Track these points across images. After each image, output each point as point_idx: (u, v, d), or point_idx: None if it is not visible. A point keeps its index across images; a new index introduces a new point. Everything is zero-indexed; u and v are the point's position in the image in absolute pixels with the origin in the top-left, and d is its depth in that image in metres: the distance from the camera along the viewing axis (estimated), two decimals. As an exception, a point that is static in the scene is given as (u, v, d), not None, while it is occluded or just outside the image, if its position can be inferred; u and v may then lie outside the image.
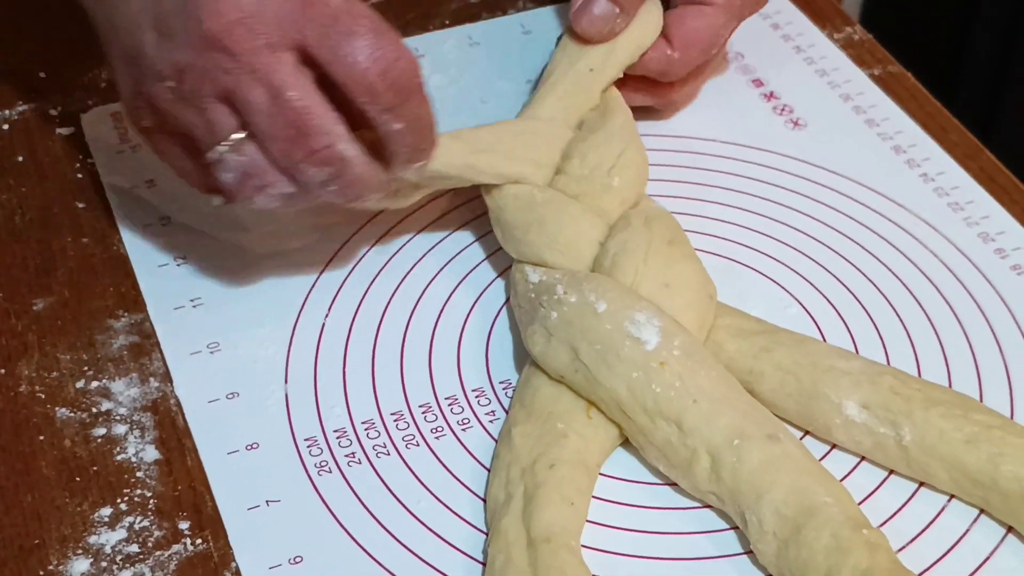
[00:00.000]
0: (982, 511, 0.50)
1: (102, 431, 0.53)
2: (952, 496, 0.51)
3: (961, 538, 0.49)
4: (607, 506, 0.51)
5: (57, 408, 0.54)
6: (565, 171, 0.58)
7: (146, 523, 0.50)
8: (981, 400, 0.54)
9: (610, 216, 0.56)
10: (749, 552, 0.49)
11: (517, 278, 0.56)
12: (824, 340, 0.56)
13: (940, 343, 0.56)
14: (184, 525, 0.50)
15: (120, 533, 0.50)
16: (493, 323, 0.57)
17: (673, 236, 0.55)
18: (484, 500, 0.51)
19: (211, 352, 0.56)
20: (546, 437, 0.50)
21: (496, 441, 0.53)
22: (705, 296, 0.54)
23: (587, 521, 0.50)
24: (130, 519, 0.50)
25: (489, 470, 0.52)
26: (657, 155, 0.64)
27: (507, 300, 0.58)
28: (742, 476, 0.48)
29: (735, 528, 0.50)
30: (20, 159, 0.65)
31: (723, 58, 0.69)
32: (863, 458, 0.52)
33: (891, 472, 0.51)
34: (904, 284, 0.59)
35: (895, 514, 0.50)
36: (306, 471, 0.52)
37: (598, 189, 0.57)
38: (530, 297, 0.54)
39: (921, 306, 0.58)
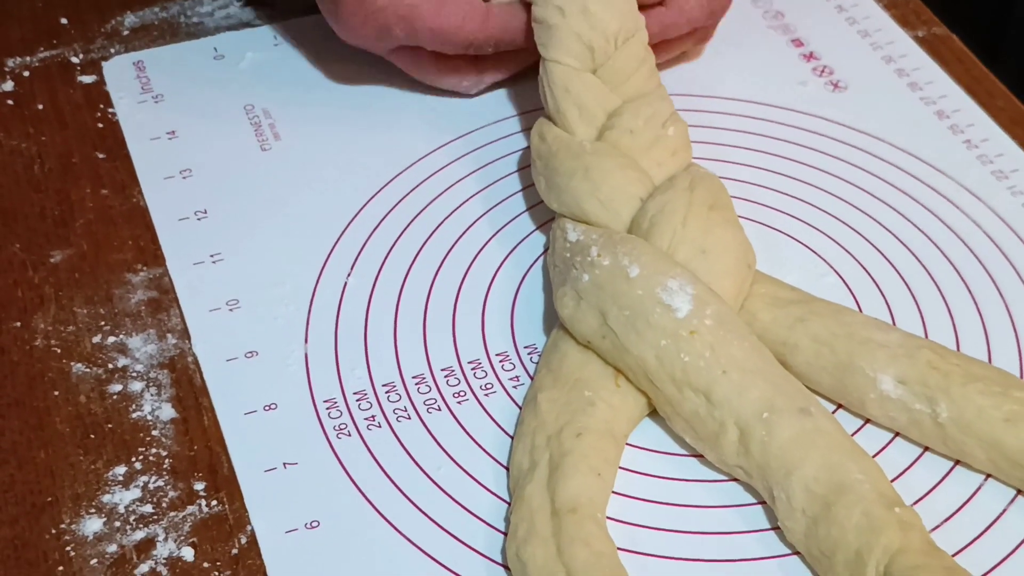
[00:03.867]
0: (1019, 492, 0.49)
1: (118, 388, 0.52)
2: (988, 476, 0.49)
3: (997, 519, 0.48)
4: (630, 476, 0.49)
5: (73, 363, 0.53)
6: (615, 127, 0.55)
7: (161, 483, 0.49)
8: (1022, 376, 0.52)
9: (659, 169, 0.54)
10: (777, 528, 0.48)
11: (556, 235, 0.54)
12: (860, 310, 0.55)
13: (980, 315, 0.54)
14: (199, 486, 0.49)
15: (134, 492, 0.49)
16: (519, 287, 0.56)
17: (715, 200, 0.53)
18: (507, 467, 0.50)
19: (230, 309, 0.55)
20: (573, 404, 0.49)
21: (520, 408, 0.51)
22: (744, 265, 0.52)
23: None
24: (144, 478, 0.49)
25: (512, 437, 0.50)
26: (691, 116, 0.62)
27: (535, 261, 0.57)
28: (771, 451, 0.47)
29: (763, 503, 0.48)
30: (40, 107, 0.64)
31: None
32: (897, 434, 0.50)
33: (926, 449, 0.50)
34: (944, 253, 0.57)
35: (929, 492, 0.49)
36: (325, 434, 0.51)
37: (649, 141, 0.55)
38: (565, 257, 0.53)
39: (961, 277, 0.56)
